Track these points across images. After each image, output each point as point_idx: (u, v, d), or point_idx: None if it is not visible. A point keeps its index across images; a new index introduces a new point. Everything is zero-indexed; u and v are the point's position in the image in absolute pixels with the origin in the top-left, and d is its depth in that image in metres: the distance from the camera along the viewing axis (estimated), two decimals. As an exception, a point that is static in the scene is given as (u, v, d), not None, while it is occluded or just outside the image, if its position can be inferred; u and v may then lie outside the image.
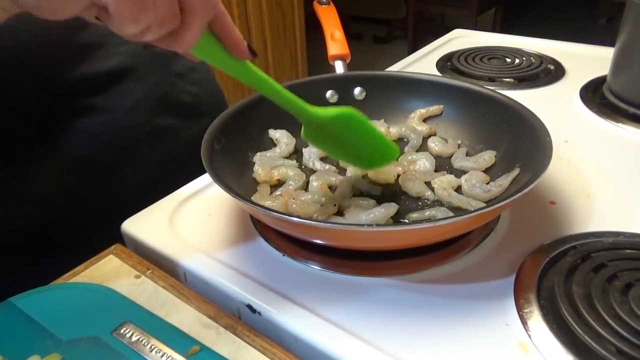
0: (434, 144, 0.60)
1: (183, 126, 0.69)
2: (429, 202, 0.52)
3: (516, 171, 0.51)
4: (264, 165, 0.56)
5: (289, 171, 0.55)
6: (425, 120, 0.64)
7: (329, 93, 0.65)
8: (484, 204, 0.50)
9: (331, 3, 0.64)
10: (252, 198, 0.52)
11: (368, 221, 0.47)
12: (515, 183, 0.51)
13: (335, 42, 0.63)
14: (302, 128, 0.47)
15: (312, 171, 0.57)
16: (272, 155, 0.59)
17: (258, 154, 0.59)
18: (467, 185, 0.52)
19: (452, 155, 0.59)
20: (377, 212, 0.48)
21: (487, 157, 0.56)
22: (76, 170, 0.59)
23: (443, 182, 0.53)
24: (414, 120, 0.63)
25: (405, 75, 0.66)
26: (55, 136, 0.57)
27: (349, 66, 0.69)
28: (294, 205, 0.49)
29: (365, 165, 0.54)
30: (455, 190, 0.52)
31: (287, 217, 0.42)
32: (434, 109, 0.63)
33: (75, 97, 0.58)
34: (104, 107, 0.60)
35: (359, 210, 0.49)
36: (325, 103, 0.65)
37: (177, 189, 0.59)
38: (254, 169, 0.56)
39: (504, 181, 0.51)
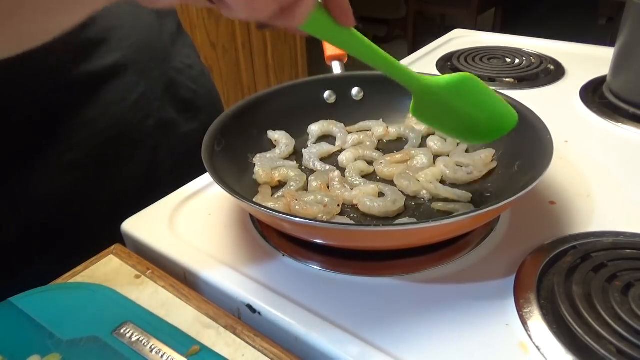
0: (433, 143, 0.60)
1: (184, 120, 0.69)
2: (425, 201, 0.52)
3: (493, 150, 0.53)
4: (264, 166, 0.56)
5: (290, 172, 0.55)
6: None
7: (326, 94, 0.65)
8: (469, 195, 0.51)
9: None
10: (254, 200, 0.52)
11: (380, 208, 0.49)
12: (516, 182, 0.51)
13: (332, 43, 0.63)
14: (412, 103, 0.47)
15: (313, 172, 0.57)
16: (272, 156, 0.59)
17: (258, 155, 0.59)
18: (449, 171, 0.53)
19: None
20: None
21: (484, 155, 0.56)
22: (79, 167, 0.59)
23: (428, 175, 0.53)
24: (413, 120, 0.63)
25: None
26: (55, 136, 0.57)
27: (348, 65, 0.69)
28: (296, 207, 0.49)
29: (482, 137, 0.52)
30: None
31: (292, 218, 0.42)
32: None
33: (79, 94, 0.58)
34: (108, 100, 0.60)
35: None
36: (324, 104, 0.65)
37: (177, 189, 0.59)
38: (254, 170, 0.56)
39: (483, 154, 0.53)
